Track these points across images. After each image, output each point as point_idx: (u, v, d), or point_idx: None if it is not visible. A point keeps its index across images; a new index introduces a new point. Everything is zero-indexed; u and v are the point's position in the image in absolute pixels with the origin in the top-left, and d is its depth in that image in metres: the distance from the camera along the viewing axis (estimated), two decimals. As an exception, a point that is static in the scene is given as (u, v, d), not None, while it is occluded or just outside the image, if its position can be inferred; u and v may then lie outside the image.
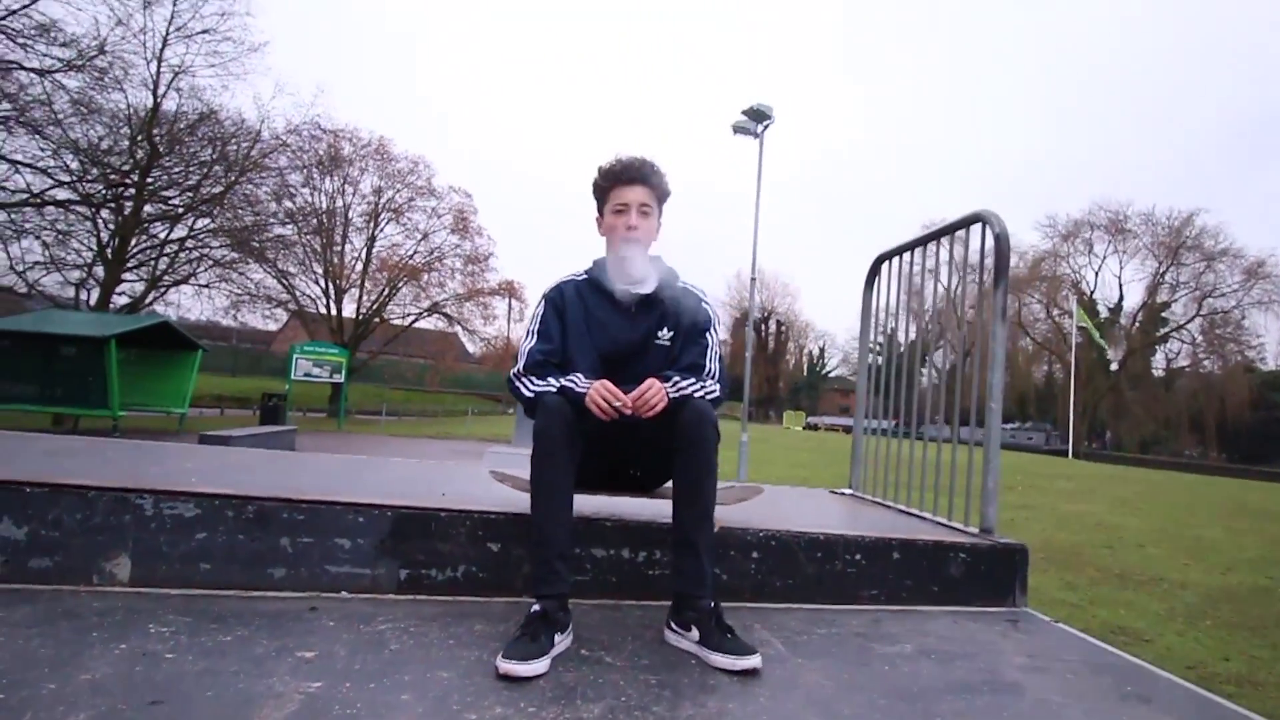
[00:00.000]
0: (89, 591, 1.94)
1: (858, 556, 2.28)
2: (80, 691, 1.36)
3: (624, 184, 2.09)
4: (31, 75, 18.11)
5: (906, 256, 3.32)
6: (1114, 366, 45.46)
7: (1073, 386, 35.03)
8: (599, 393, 1.85)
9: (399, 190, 31.27)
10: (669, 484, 1.97)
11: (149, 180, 22.30)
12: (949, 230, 2.98)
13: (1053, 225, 48.34)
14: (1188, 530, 9.09)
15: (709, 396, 2.02)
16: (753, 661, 1.65)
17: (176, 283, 25.80)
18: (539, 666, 1.56)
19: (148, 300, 25.85)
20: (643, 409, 1.86)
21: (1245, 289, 42.85)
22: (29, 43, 17.58)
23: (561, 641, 1.70)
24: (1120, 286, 47.90)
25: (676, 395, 1.93)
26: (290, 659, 1.56)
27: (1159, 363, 48.78)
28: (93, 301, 22.56)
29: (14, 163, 19.57)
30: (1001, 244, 2.55)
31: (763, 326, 68.65)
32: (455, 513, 2.13)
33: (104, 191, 20.77)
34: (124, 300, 24.06)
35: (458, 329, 33.77)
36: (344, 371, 22.09)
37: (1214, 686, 3.94)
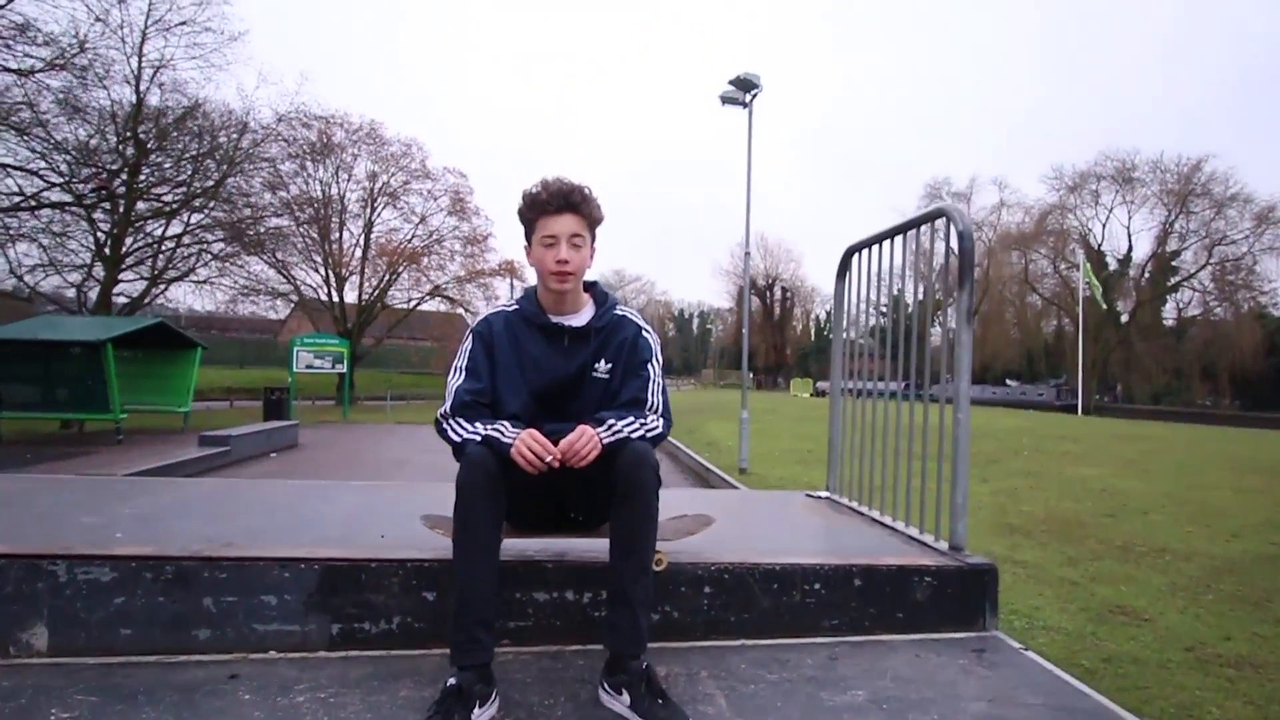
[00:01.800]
0: (4, 665, 1.86)
1: (817, 586, 2.16)
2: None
3: (552, 214, 1.92)
4: (13, 76, 17.91)
5: (875, 250, 3.16)
6: (1124, 318, 44.96)
7: (1080, 341, 34.64)
8: (525, 445, 1.73)
9: (393, 174, 30.99)
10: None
11: (139, 178, 22.13)
12: (913, 225, 2.82)
13: (1059, 177, 47.45)
14: (1194, 493, 8.94)
15: (650, 434, 1.89)
16: None
17: (176, 279, 25.82)
18: (450, 753, 1.46)
19: (149, 298, 25.92)
20: (573, 459, 1.74)
21: (1256, 235, 41.99)
22: (8, 43, 17.35)
23: (482, 715, 1.59)
24: (1129, 237, 47.14)
25: (612, 439, 1.81)
26: (188, 751, 1.47)
27: (1169, 313, 48.15)
28: (94, 302, 22.57)
29: (3, 166, 19.42)
30: (965, 242, 2.40)
31: (767, 294, 68.14)
32: (387, 562, 2.03)
33: (96, 191, 20.63)
34: (126, 299, 24.10)
35: (461, 311, 33.69)
36: (346, 361, 22.06)
37: (1213, 670, 3.85)
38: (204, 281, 26.35)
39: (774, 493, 3.58)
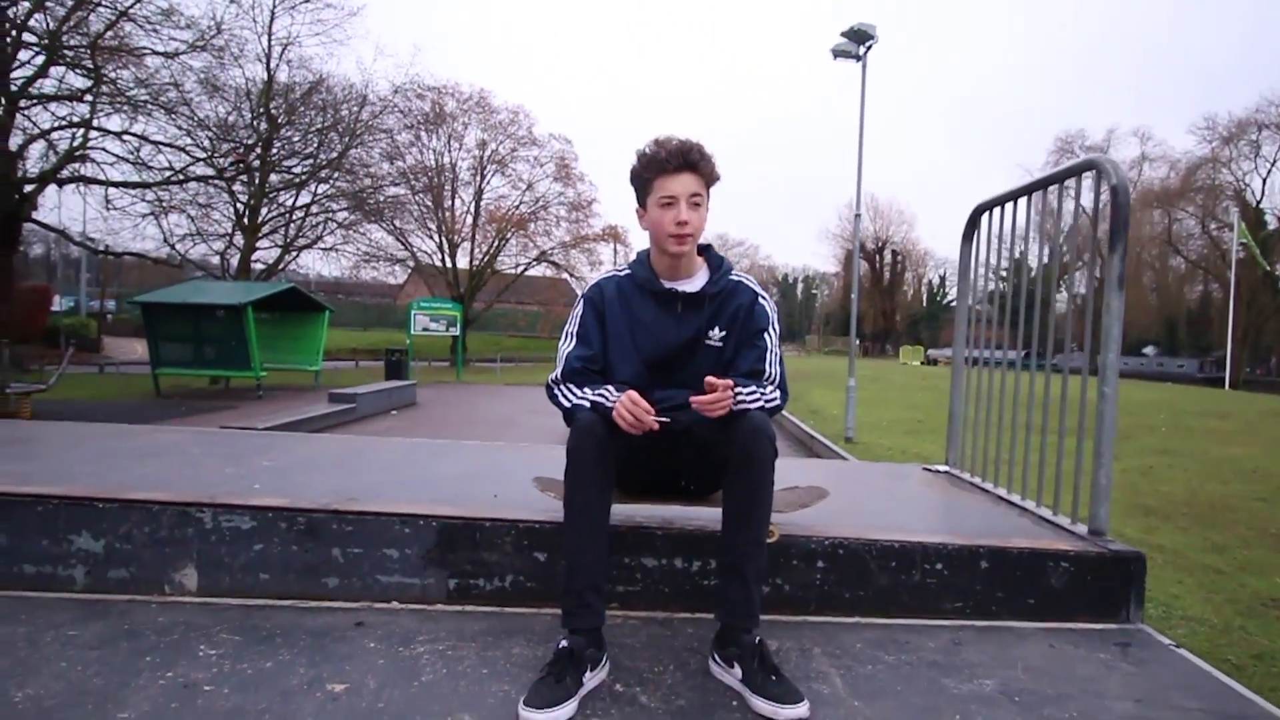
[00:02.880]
0: (160, 602, 2.03)
1: (939, 566, 2.04)
2: (116, 732, 1.40)
3: (670, 173, 1.82)
4: (160, 59, 19.38)
5: (1009, 208, 2.91)
6: (1283, 284, 40.36)
7: (1232, 308, 31.42)
8: (625, 406, 1.70)
9: (501, 141, 31.79)
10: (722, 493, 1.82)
11: (271, 151, 23.64)
12: (1056, 179, 2.57)
13: (1211, 128, 42.70)
14: (1368, 478, 7.96)
15: (768, 406, 1.83)
16: (798, 712, 1.49)
17: (305, 246, 27.69)
18: (561, 714, 1.47)
19: (282, 264, 27.90)
20: (705, 407, 1.69)
21: None
22: (156, 28, 18.76)
23: (593, 678, 1.60)
24: (1294, 192, 42.07)
25: (737, 407, 1.75)
26: (319, 694, 1.55)
27: (1340, 277, 42.85)
28: (235, 268, 24.46)
29: (155, 143, 21.14)
30: (1119, 197, 2.15)
31: (877, 257, 65.60)
32: (500, 522, 2.06)
33: (235, 165, 22.22)
34: (262, 265, 26.01)
35: (566, 276, 34.34)
36: (459, 324, 22.96)
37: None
38: (330, 249, 28.13)
39: (888, 465, 3.43)
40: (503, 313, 39.97)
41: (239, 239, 24.47)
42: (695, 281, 1.94)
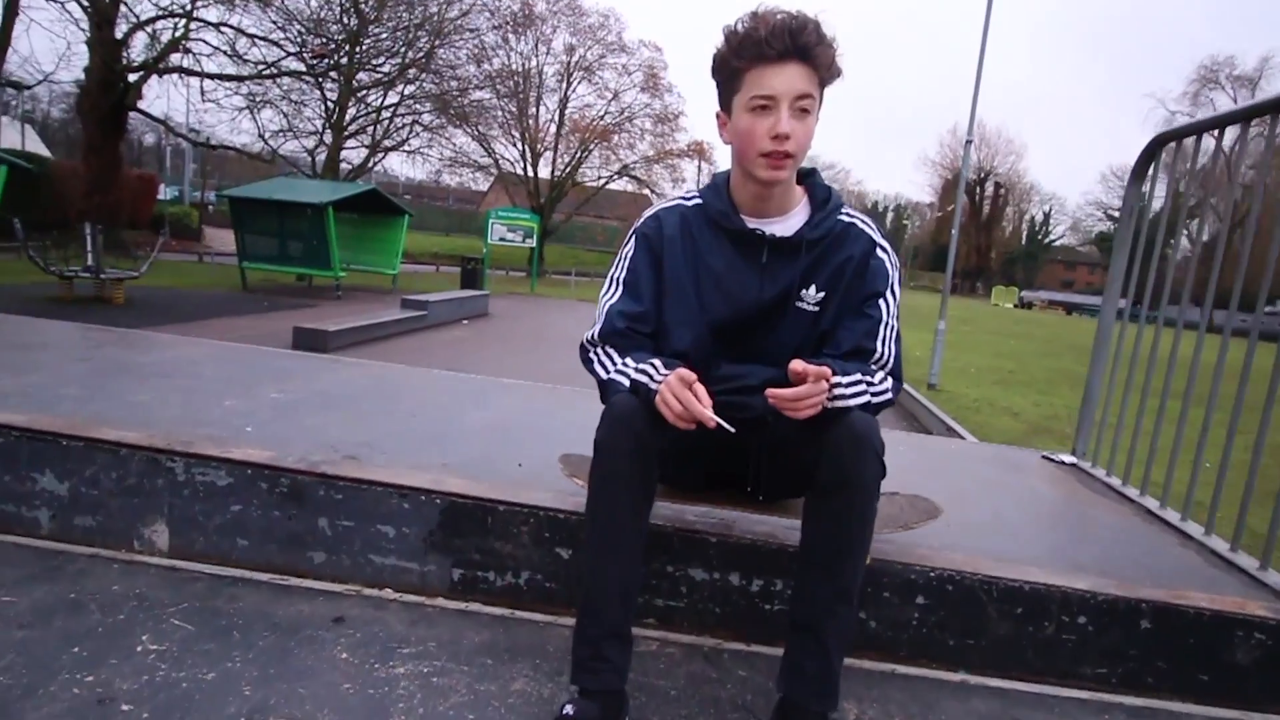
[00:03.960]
0: (125, 561, 1.74)
1: (1082, 620, 1.54)
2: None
3: (770, 62, 1.27)
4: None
5: (1200, 141, 2.22)
6: None
7: None
8: (672, 390, 1.23)
9: (590, 47, 30.55)
10: (799, 500, 1.37)
11: (359, 48, 23.37)
12: (1265, 110, 1.88)
13: (1396, 57, 37.23)
14: None
15: (876, 401, 1.34)
16: None
17: (392, 148, 27.72)
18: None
19: (369, 165, 28.10)
20: (791, 406, 1.22)
21: None
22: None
23: None
24: None
25: (832, 405, 1.27)
26: (257, 732, 1.21)
27: None
28: (322, 166, 24.72)
29: (250, 36, 21.14)
30: None
31: (977, 190, 61.40)
32: (517, 507, 1.67)
33: (315, 59, 22.08)
34: (348, 166, 26.21)
35: (647, 191, 33.42)
36: (535, 236, 22.63)
37: None
38: (414, 151, 28.07)
39: (1000, 449, 2.88)
40: (582, 226, 39.51)
41: (329, 137, 24.60)
42: (790, 220, 1.42)
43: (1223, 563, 1.81)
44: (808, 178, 1.45)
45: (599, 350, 1.44)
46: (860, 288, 1.40)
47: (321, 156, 24.91)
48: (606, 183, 32.49)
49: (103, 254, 11.94)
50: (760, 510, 1.56)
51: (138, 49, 19.74)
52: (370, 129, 26.47)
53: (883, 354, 1.39)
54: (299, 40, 21.99)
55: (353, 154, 27.12)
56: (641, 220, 1.49)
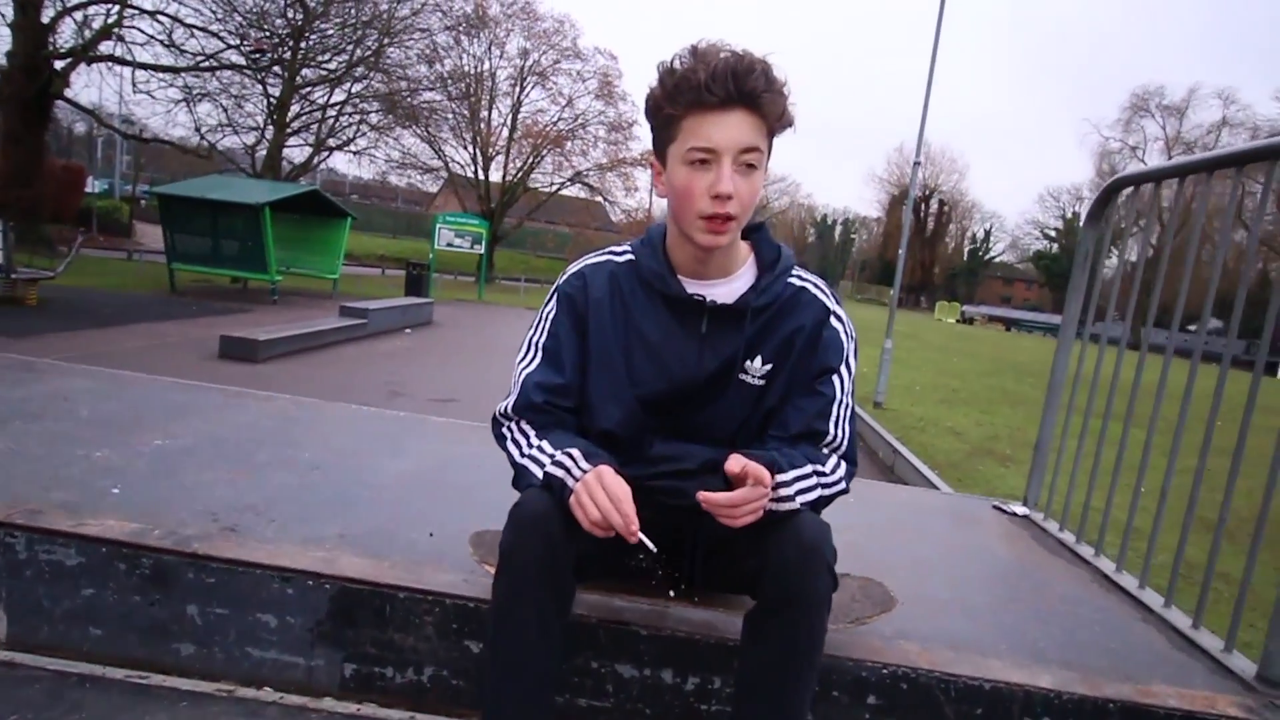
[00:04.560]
0: (-50, 655, 1.47)
1: (1045, 721, 1.41)
2: None
3: (710, 109, 1.09)
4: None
5: (1172, 185, 2.14)
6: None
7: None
8: (588, 492, 1.05)
9: (544, 52, 30.32)
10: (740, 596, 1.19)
11: (302, 43, 22.68)
12: (1243, 159, 1.81)
13: (1301, 95, 39.62)
14: None
15: (827, 494, 1.18)
16: None
17: (337, 147, 26.93)
18: None
19: (313, 164, 27.26)
20: (726, 513, 1.06)
21: None
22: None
23: None
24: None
25: (776, 506, 1.10)
26: None
27: None
28: (262, 163, 23.85)
29: (189, 26, 20.31)
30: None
31: (922, 206, 63.05)
32: (421, 594, 1.45)
33: (254, 54, 21.34)
34: (289, 164, 25.36)
35: (600, 199, 33.31)
36: (484, 242, 22.20)
37: None
38: (360, 152, 27.33)
39: (952, 500, 2.77)
40: (533, 231, 39.10)
41: (271, 134, 23.76)
42: (734, 283, 1.25)
43: (1186, 643, 1.70)
44: (754, 233, 1.28)
45: (513, 426, 1.24)
46: (811, 361, 1.24)
47: (262, 153, 24.04)
48: (559, 189, 32.25)
49: (15, 251, 11.21)
50: (691, 607, 1.38)
51: (66, 35, 18.76)
52: (315, 127, 25.68)
53: (836, 436, 1.23)
54: (240, 33, 21.20)
55: (296, 152, 26.33)
56: (565, 277, 1.30)
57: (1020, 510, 2.56)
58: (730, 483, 1.04)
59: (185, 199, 14.97)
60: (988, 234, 71.49)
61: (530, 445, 1.19)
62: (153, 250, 21.65)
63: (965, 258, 71.17)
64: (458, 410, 6.97)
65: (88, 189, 29.05)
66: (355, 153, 27.51)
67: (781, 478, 1.09)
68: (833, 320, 1.25)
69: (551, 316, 1.27)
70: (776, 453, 1.14)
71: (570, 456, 1.10)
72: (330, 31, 23.61)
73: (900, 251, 12.61)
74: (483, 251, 22.17)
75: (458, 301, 20.33)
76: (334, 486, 1.96)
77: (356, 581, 1.46)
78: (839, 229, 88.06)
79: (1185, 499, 1.81)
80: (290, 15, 22.29)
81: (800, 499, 1.12)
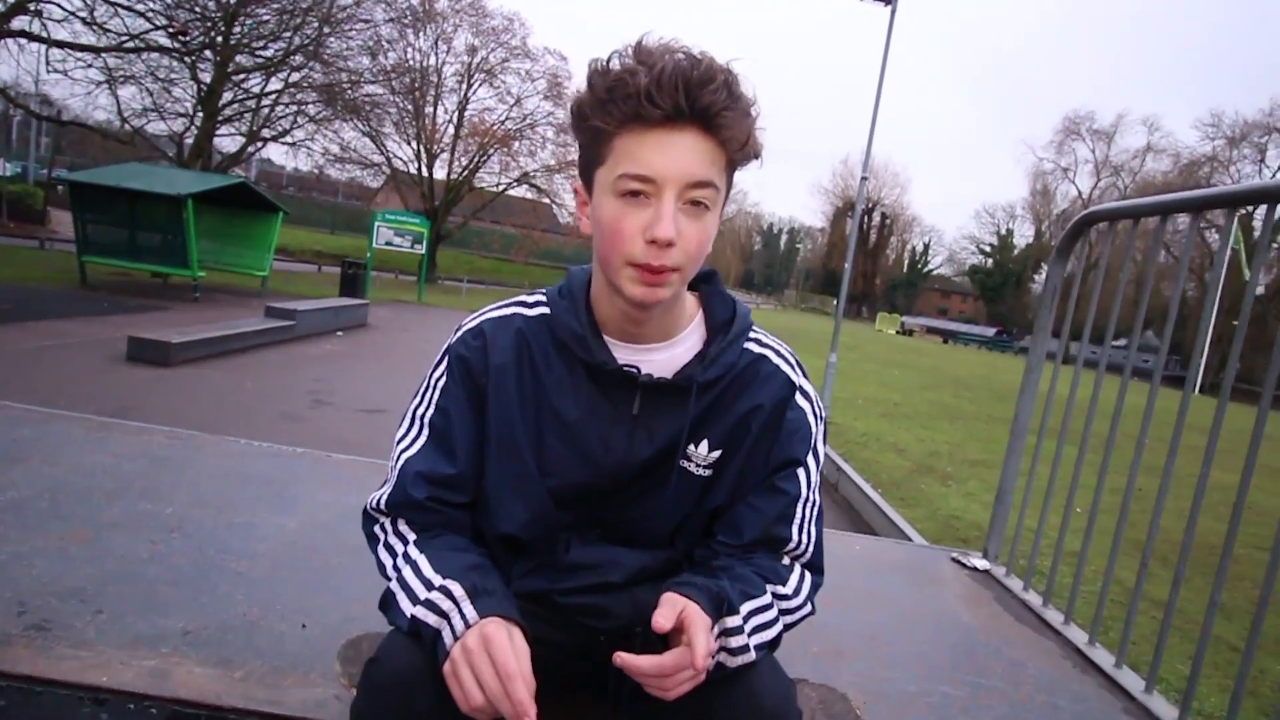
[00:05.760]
0: None
1: None
2: None
3: (651, 126, 0.82)
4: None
5: (1149, 221, 1.99)
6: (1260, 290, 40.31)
7: (1216, 311, 31.15)
8: (468, 668, 0.76)
9: (493, 50, 29.77)
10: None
11: (234, 28, 21.68)
12: (1222, 203, 1.65)
13: (1216, 125, 41.95)
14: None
15: (795, 619, 0.94)
16: None
17: (272, 138, 25.84)
18: None
19: (245, 155, 26.09)
20: (656, 684, 0.80)
21: None
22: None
23: None
24: (1296, 202, 41.55)
25: (726, 660, 0.86)
26: None
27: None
28: (189, 152, 22.69)
29: (112, 3, 19.20)
30: None
31: (865, 218, 64.45)
32: (263, 719, 1.15)
33: (174, 37, 20.29)
34: (220, 155, 24.21)
35: (547, 201, 32.88)
36: (425, 242, 21.53)
37: None
38: (297, 144, 26.30)
39: (910, 551, 2.58)
40: (478, 231, 38.37)
41: (200, 121, 22.61)
42: (676, 348, 0.98)
43: (1175, 740, 1.52)
44: (703, 284, 1.02)
45: (387, 525, 0.96)
46: (770, 450, 0.98)
47: (190, 142, 22.87)
48: (505, 189, 31.70)
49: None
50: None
51: (-26, 9, 17.47)
52: (249, 116, 24.58)
53: (800, 543, 0.98)
54: (168, 13, 20.11)
55: (228, 141, 25.19)
56: (459, 333, 1.00)
57: (981, 564, 2.37)
58: (655, 632, 0.78)
59: (100, 187, 13.99)
60: (926, 247, 73.69)
61: (403, 559, 0.90)
62: (67, 240, 20.36)
63: (905, 270, 73.08)
64: (385, 423, 6.56)
65: (-1, 172, 27.26)
66: (291, 144, 26.48)
67: (731, 622, 0.84)
68: (798, 398, 1.00)
69: (441, 385, 0.98)
70: (726, 579, 0.88)
71: (449, 596, 0.81)
72: (267, 16, 22.62)
73: (846, 266, 12.63)
74: (423, 251, 21.51)
75: (396, 302, 19.67)
76: (192, 557, 1.62)
77: (192, 705, 1.14)
78: (784, 238, 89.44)
79: (1172, 559, 1.64)
80: (222, -2, 21.27)
81: (756, 640, 0.86)
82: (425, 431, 0.97)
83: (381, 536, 0.96)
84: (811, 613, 0.98)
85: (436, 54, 29.40)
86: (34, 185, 28.65)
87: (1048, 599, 2.11)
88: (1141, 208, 1.99)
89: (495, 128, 29.97)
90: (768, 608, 0.90)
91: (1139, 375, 2.00)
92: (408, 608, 0.84)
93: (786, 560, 0.98)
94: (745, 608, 0.87)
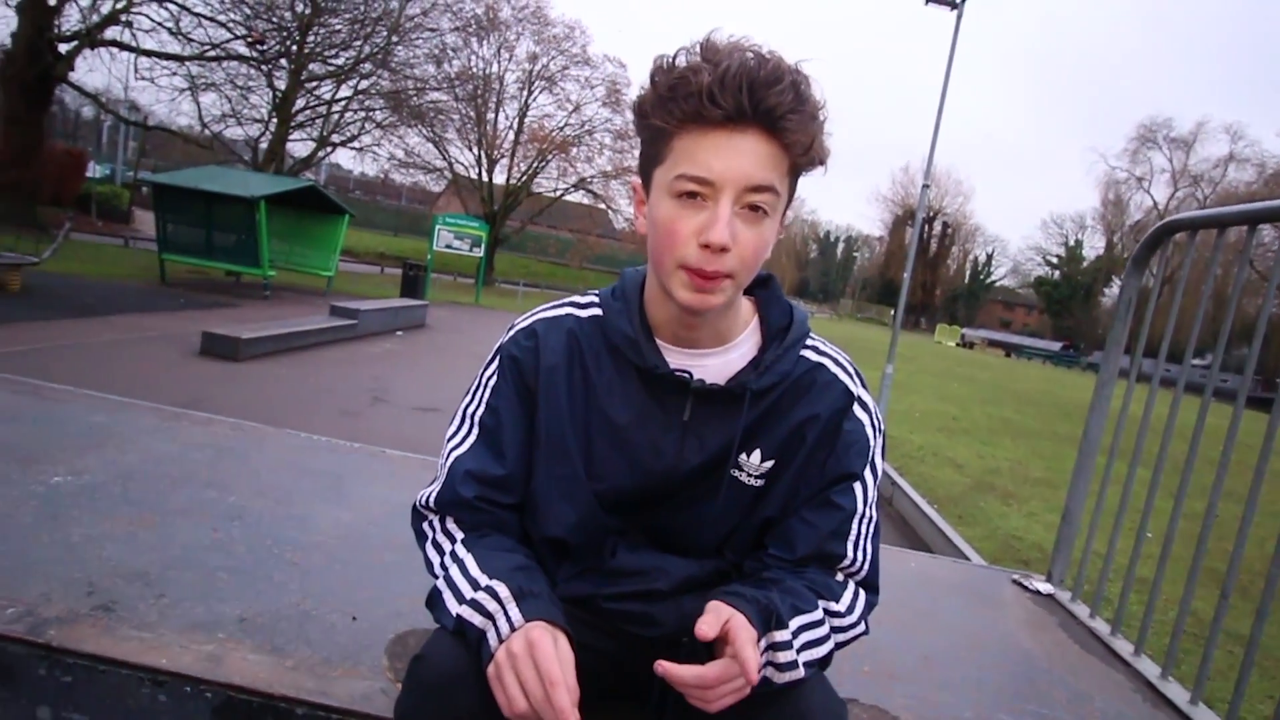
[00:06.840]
0: None
1: None
2: None
3: (712, 127, 0.80)
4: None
5: (1223, 234, 1.87)
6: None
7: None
8: (512, 672, 0.75)
9: (553, 58, 30.25)
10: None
11: (309, 37, 22.55)
12: None
13: (1310, 133, 39.68)
14: None
15: (848, 637, 0.91)
16: None
17: (341, 143, 26.77)
18: None
19: (316, 159, 27.07)
20: (699, 695, 0.78)
21: None
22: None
23: None
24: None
25: (773, 676, 0.83)
26: None
27: None
28: (263, 155, 23.64)
29: (196, 14, 20.18)
30: None
31: (926, 227, 63.02)
32: (320, 710, 1.17)
33: (251, 45, 21.20)
34: (292, 159, 25.17)
35: (603, 206, 33.18)
36: (483, 245, 21.93)
37: None
38: (364, 149, 27.20)
39: (969, 572, 2.48)
40: (535, 236, 38.95)
41: (274, 126, 23.59)
42: (730, 354, 0.96)
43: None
44: (760, 289, 0.99)
45: (435, 523, 0.96)
46: (825, 462, 0.95)
47: (265, 146, 23.85)
48: (563, 194, 32.13)
49: (4, 234, 10.93)
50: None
51: (73, 18, 18.58)
52: (319, 122, 25.53)
53: (855, 560, 0.94)
54: (247, 24, 21.03)
55: (300, 146, 26.17)
56: (510, 334, 1.01)
57: (1044, 588, 2.27)
58: (699, 640, 0.76)
59: (179, 188, 14.67)
60: (990, 258, 71.59)
61: (450, 558, 0.90)
62: (150, 238, 21.43)
63: (967, 280, 71.15)
64: (438, 421, 6.68)
65: (89, 174, 28.82)
66: (359, 149, 27.40)
67: (780, 636, 0.81)
68: (856, 409, 0.97)
69: (492, 384, 0.98)
70: (776, 591, 0.85)
71: (495, 596, 0.81)
72: (339, 27, 23.48)
73: (905, 275, 12.34)
74: (482, 254, 21.90)
75: (454, 304, 20.06)
76: (250, 545, 1.67)
77: (244, 691, 1.17)
78: (841, 246, 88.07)
79: (1252, 591, 1.53)
80: (299, 8, 22.13)
81: (805, 657, 0.83)
82: (475, 430, 0.97)
83: (430, 534, 0.96)
84: (865, 632, 0.94)
85: (499, 61, 30.04)
86: (121, 187, 30.25)
87: (1117, 627, 2.01)
88: (1226, 216, 1.87)
89: (554, 134, 30.41)
90: (819, 624, 0.87)
91: (1220, 396, 1.88)
92: (453, 606, 0.84)
93: (840, 576, 0.95)
94: (795, 623, 0.84)
